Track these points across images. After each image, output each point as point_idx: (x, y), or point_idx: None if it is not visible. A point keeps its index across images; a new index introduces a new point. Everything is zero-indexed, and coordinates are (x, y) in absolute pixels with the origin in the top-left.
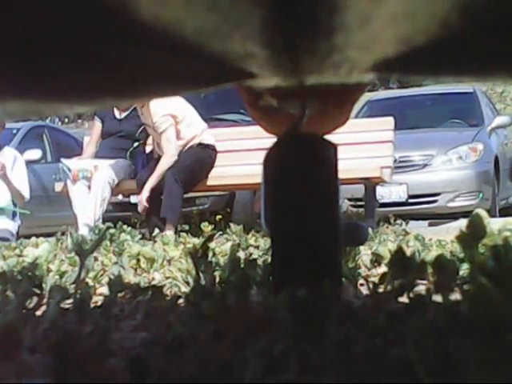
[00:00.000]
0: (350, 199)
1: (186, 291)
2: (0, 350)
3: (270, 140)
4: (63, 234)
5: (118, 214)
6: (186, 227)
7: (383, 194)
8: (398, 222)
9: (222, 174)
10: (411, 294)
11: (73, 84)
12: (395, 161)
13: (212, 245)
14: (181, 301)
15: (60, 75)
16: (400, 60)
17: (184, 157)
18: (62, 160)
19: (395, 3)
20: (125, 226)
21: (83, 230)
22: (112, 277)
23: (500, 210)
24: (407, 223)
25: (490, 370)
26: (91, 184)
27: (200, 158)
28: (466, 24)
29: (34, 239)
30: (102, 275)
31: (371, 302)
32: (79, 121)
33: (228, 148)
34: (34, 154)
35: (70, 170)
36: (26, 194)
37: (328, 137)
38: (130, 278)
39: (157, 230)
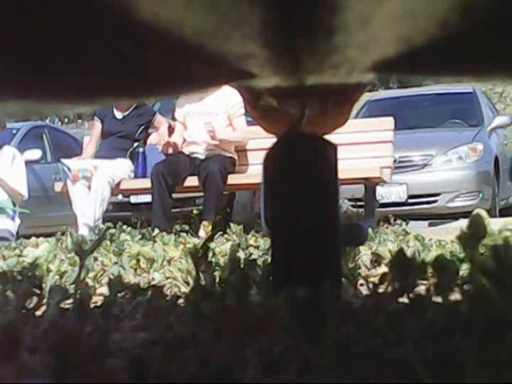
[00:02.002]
0: (350, 199)
1: (185, 291)
2: (0, 350)
3: (270, 140)
4: (63, 234)
5: (118, 213)
6: (186, 227)
7: (383, 194)
8: (398, 222)
9: None
10: (411, 295)
11: (73, 84)
12: (395, 161)
13: (212, 245)
14: (181, 301)
15: (60, 75)
16: (400, 60)
17: (227, 161)
18: (62, 160)
19: (395, 3)
20: (125, 226)
21: (83, 230)
22: (112, 277)
23: (500, 210)
24: (407, 223)
25: (490, 370)
26: (91, 184)
27: (231, 168)
28: (466, 24)
29: (33, 239)
30: (101, 275)
31: (371, 302)
32: (79, 121)
33: None
34: (34, 154)
35: (69, 169)
36: (24, 192)
37: (328, 137)
38: (130, 278)
39: (156, 230)
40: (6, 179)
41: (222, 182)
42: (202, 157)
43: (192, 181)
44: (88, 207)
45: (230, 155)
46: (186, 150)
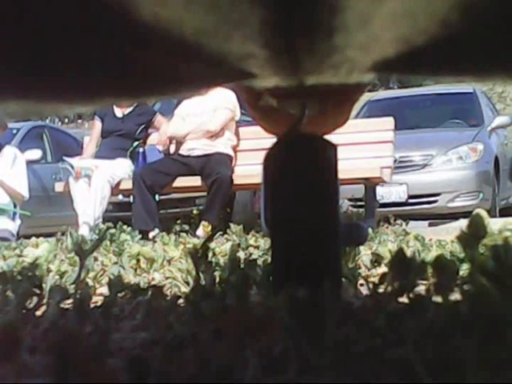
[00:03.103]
0: (350, 199)
1: (186, 291)
2: (0, 350)
3: (270, 140)
4: (63, 233)
5: (118, 213)
6: (186, 227)
7: (383, 194)
8: (398, 222)
9: None
10: (411, 295)
11: (73, 84)
12: (395, 161)
13: (212, 245)
14: (181, 301)
15: (60, 75)
16: (400, 60)
17: (227, 160)
18: (65, 158)
19: (395, 3)
20: (125, 226)
21: (84, 229)
22: (112, 277)
23: (500, 210)
24: (407, 223)
25: (490, 370)
26: (91, 183)
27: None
28: (466, 24)
29: (34, 239)
30: (101, 275)
31: (371, 302)
32: (79, 121)
33: None
34: (34, 154)
35: (72, 167)
36: (25, 192)
37: (328, 137)
38: (130, 278)
39: (156, 230)
40: (7, 180)
41: (230, 188)
42: (198, 152)
43: (192, 181)
44: (88, 206)
45: (226, 152)
46: (183, 149)
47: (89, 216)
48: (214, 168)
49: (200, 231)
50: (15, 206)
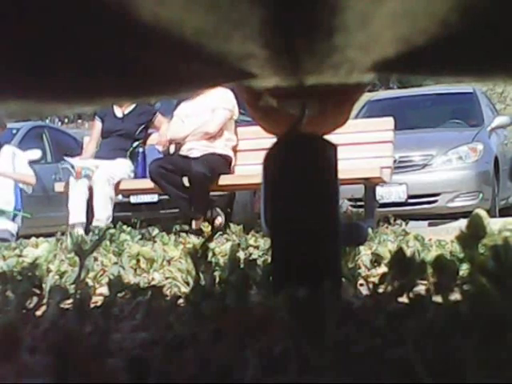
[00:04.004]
0: (350, 199)
1: (186, 291)
2: (0, 350)
3: (270, 140)
4: (63, 233)
5: (118, 214)
6: (186, 227)
7: (383, 194)
8: (398, 222)
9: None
10: (411, 295)
11: (73, 84)
12: (395, 161)
13: (212, 245)
14: (181, 301)
15: (60, 75)
16: (400, 60)
17: (218, 160)
18: (66, 158)
19: (395, 3)
20: (125, 226)
21: (79, 229)
22: (112, 277)
23: (500, 210)
24: (407, 223)
25: (490, 370)
26: (91, 184)
27: (223, 167)
28: (466, 24)
29: (33, 239)
30: (101, 275)
31: (371, 302)
32: (79, 121)
33: None
34: (34, 153)
35: (73, 167)
36: (32, 179)
37: (328, 137)
38: (129, 278)
39: (156, 230)
40: (12, 170)
41: (206, 184)
42: (196, 154)
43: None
44: (97, 209)
45: (225, 153)
46: (183, 149)
47: (100, 221)
48: (193, 166)
49: (193, 225)
50: (16, 208)
